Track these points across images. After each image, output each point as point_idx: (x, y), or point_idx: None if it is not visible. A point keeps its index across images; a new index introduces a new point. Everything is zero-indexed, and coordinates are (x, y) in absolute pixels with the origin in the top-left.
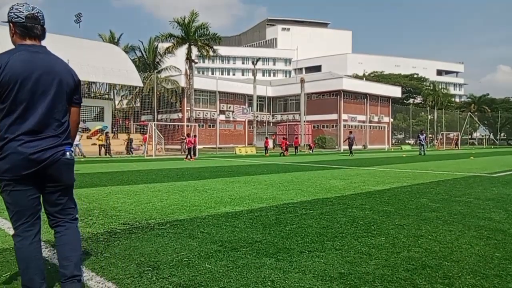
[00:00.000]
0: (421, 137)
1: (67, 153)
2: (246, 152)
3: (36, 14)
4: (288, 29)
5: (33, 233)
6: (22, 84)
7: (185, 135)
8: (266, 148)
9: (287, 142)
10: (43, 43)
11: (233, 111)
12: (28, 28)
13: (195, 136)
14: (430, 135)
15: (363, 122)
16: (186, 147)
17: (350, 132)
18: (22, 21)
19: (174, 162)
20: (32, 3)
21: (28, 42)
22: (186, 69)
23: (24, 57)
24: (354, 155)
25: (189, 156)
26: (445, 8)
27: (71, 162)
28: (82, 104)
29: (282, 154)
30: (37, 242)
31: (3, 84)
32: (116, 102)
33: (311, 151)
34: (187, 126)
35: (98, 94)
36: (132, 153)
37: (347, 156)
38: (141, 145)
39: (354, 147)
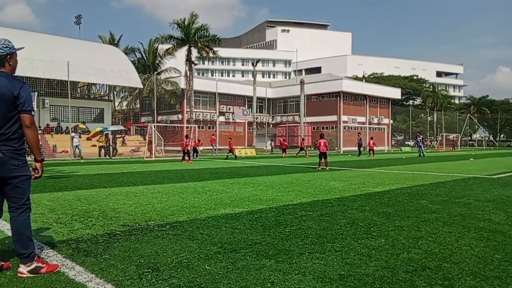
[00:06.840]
0: (418, 138)
1: None
2: (246, 153)
3: None
4: (288, 31)
5: None
6: None
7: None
8: (284, 149)
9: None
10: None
11: (232, 113)
12: None
13: (199, 140)
14: (430, 138)
15: (363, 123)
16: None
17: (359, 133)
18: None
19: (173, 164)
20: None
21: None
22: (186, 70)
23: None
24: (360, 156)
25: (186, 158)
26: (444, 10)
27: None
28: (82, 106)
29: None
30: None
31: None
32: (116, 104)
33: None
34: (187, 127)
35: (98, 96)
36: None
37: (366, 156)
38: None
39: (353, 148)
